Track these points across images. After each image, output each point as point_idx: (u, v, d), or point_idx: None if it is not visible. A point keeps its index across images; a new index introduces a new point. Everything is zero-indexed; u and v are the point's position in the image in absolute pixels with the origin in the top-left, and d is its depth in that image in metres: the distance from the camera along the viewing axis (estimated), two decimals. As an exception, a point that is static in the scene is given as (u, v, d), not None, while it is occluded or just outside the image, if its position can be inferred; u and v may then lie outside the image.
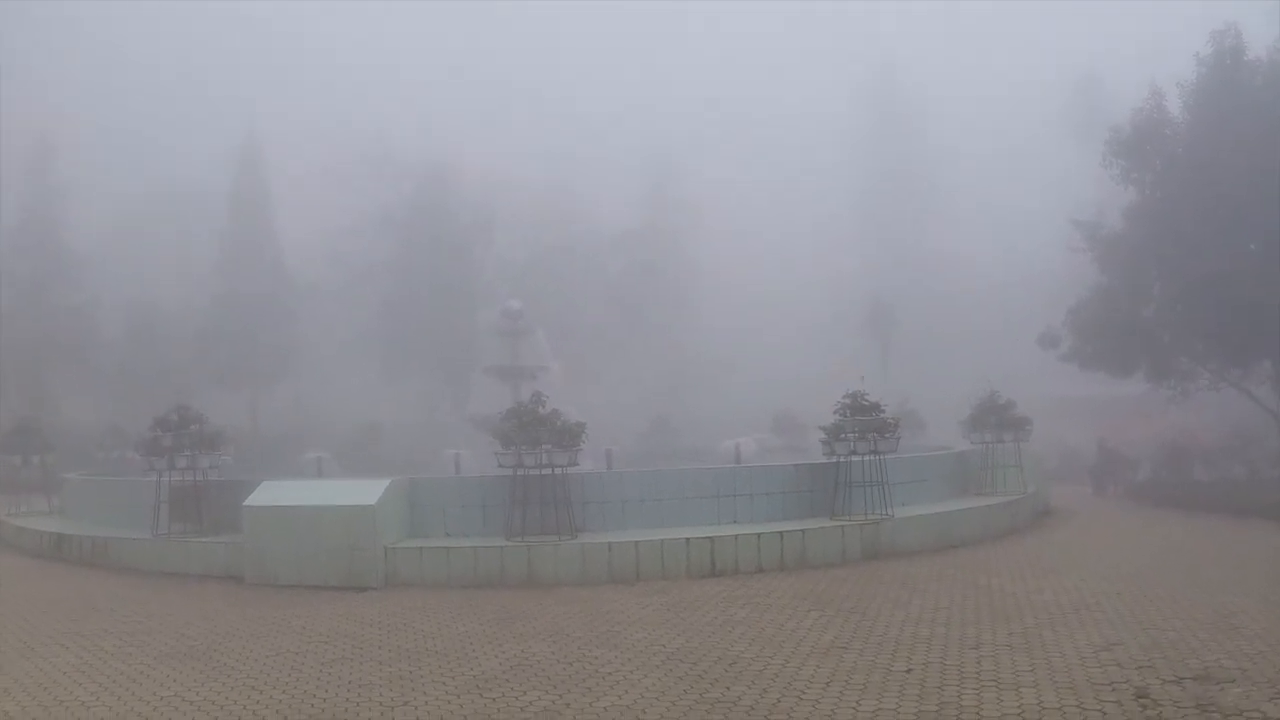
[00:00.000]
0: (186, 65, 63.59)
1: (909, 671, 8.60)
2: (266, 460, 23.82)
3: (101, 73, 62.60)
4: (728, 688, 8.26)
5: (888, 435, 16.52)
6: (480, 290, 46.83)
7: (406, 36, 71.14)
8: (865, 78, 65.67)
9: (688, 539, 14.28)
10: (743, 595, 12.53)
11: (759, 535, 14.67)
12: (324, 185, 47.99)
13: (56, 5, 63.34)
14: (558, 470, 14.25)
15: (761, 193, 65.06)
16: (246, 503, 14.05)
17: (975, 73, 67.18)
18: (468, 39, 71.83)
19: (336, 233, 46.90)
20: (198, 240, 50.13)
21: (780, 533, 14.85)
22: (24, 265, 46.09)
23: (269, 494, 14.23)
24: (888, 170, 63.96)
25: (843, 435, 16.38)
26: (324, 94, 60.95)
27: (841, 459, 16.36)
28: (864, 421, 16.42)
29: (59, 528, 17.79)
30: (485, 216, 47.95)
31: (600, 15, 72.79)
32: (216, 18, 65.64)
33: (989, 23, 70.34)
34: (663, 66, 69.98)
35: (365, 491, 13.91)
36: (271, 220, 48.20)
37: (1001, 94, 66.36)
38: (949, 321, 56.27)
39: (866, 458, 16.25)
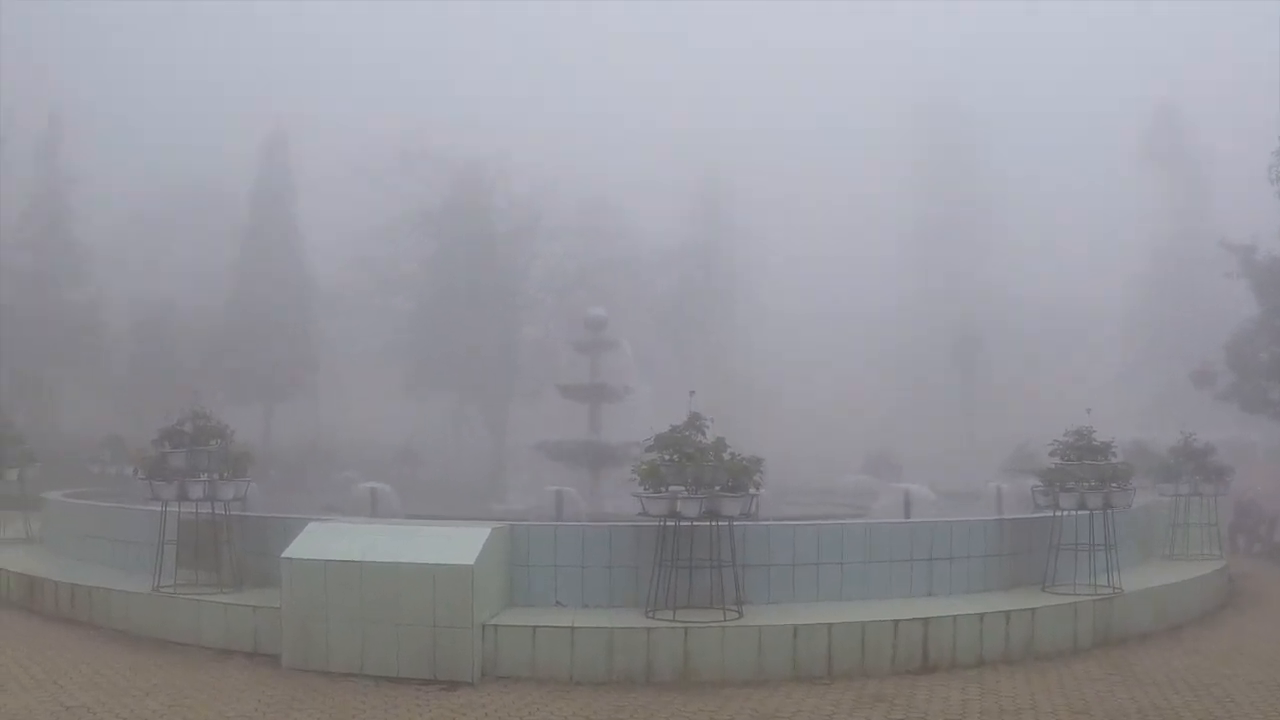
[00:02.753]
0: (209, 57, 60.18)
1: None
2: (294, 488, 19.77)
3: (118, 61, 59.13)
4: None
5: (1123, 486, 12.54)
6: (523, 303, 42.91)
7: (451, 36, 67.32)
8: (927, 100, 62.04)
9: (896, 622, 10.29)
10: (995, 708, 8.77)
11: (981, 616, 10.72)
12: (354, 184, 44.07)
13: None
14: (722, 523, 10.19)
15: (814, 217, 61.22)
16: (288, 553, 9.96)
17: (1042, 96, 63.56)
18: (516, 46, 68.15)
19: (366, 235, 42.97)
20: (215, 239, 46.43)
21: (1006, 613, 10.93)
22: (27, 258, 42.45)
23: (317, 541, 10.12)
24: (949, 197, 60.32)
25: (1070, 485, 12.37)
26: (357, 89, 57.29)
27: (1065, 513, 12.38)
28: (1098, 468, 12.42)
29: (32, 566, 13.65)
30: (529, 224, 44.01)
31: (655, 29, 69.05)
32: (241, 7, 62.00)
33: (1060, 43, 66.65)
34: (714, 83, 66.32)
35: (456, 543, 9.81)
36: (295, 220, 44.42)
37: (1069, 119, 62.87)
38: (1017, 357, 52.43)
39: (1090, 514, 12.31)
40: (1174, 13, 62.10)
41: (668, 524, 10.14)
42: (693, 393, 10.44)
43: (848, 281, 58.70)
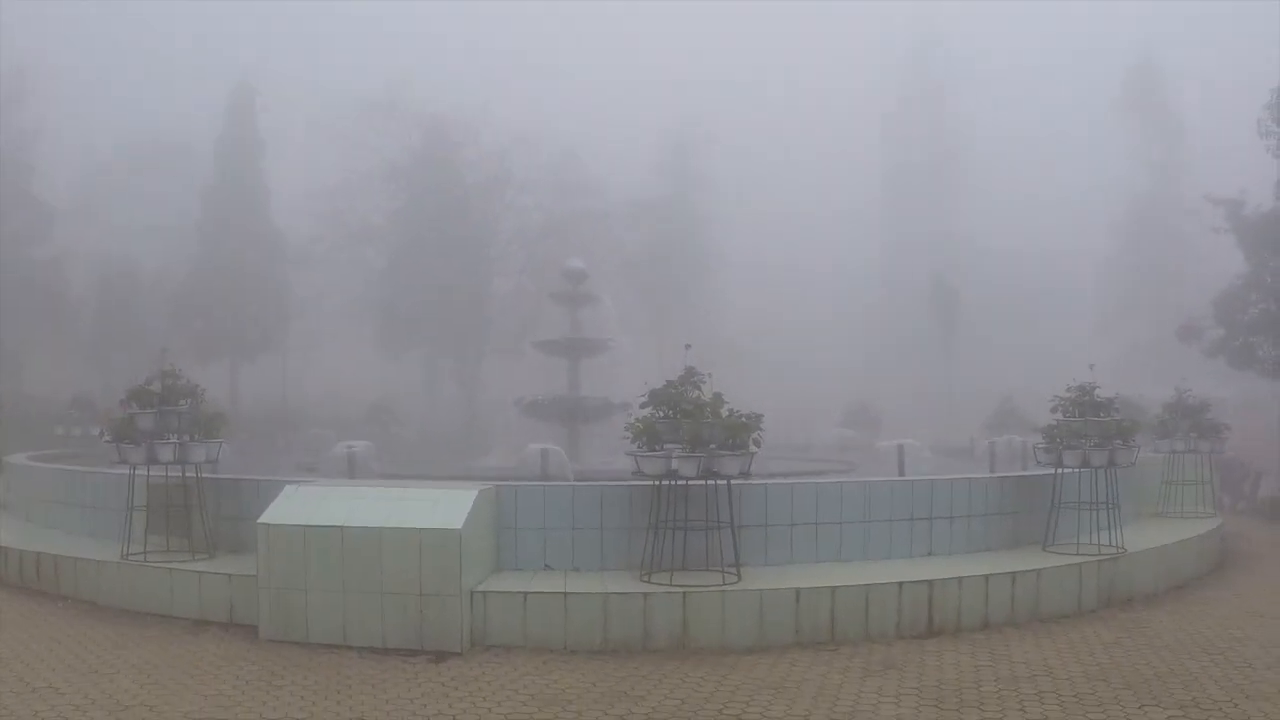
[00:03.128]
0: (173, 6, 58.45)
1: None
2: (266, 448, 19.16)
3: (78, 14, 57.49)
4: None
5: (1128, 443, 12.21)
6: (495, 255, 42.19)
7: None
8: (899, 49, 61.41)
9: (900, 584, 9.92)
10: (1008, 674, 8.41)
11: (986, 578, 10.36)
12: (321, 137, 43.05)
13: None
14: (720, 483, 9.75)
15: (785, 170, 60.59)
16: (264, 519, 9.44)
17: (1016, 46, 63.01)
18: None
19: (334, 189, 42.04)
20: (181, 195, 45.33)
21: (1012, 574, 10.56)
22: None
23: (295, 505, 9.61)
24: (921, 148, 59.90)
25: (1074, 442, 12.01)
26: (324, 41, 55.96)
27: (1069, 471, 12.05)
28: (1103, 424, 12.08)
29: (-6, 533, 13.10)
30: (499, 176, 43.19)
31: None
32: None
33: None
34: (684, 35, 65.31)
35: (441, 505, 9.32)
36: (262, 175, 43.35)
37: (1041, 70, 62.42)
38: (991, 308, 52.21)
39: (1092, 471, 12.00)
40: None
41: (663, 484, 9.70)
42: (688, 346, 9.97)
43: (819, 234, 58.33)
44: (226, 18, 58.06)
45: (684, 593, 9.37)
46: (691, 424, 9.36)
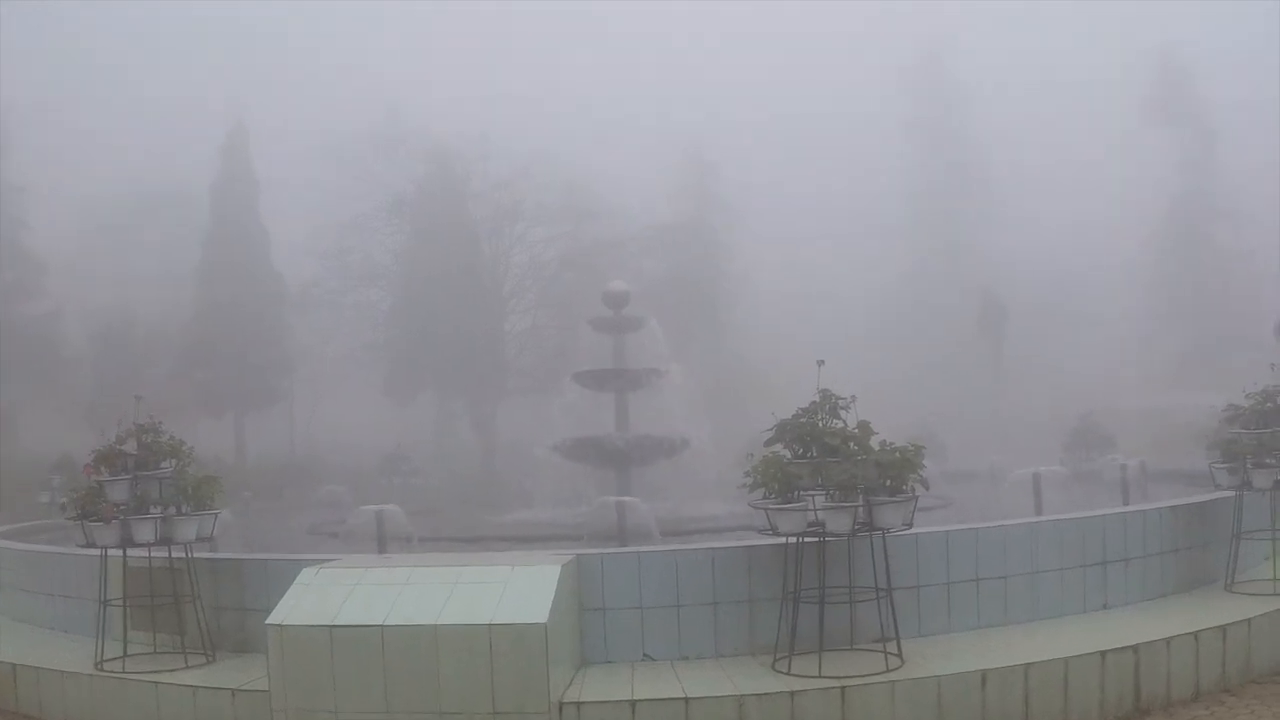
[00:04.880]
0: (163, 42, 56.78)
1: None
2: (278, 509, 16.72)
3: (65, 61, 55.76)
4: None
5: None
6: (510, 292, 40.06)
7: (423, 15, 63.77)
8: (919, 66, 59.38)
9: (1102, 654, 7.62)
10: None
11: (1196, 636, 8.06)
12: (321, 172, 40.96)
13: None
14: (860, 533, 7.39)
15: (807, 193, 58.34)
16: (275, 617, 7.05)
17: (1036, 59, 61.00)
18: (491, 26, 64.74)
19: (337, 227, 39.96)
20: (179, 243, 43.35)
21: (1222, 629, 8.26)
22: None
23: (316, 596, 7.20)
24: (945, 167, 57.80)
25: (1269, 459, 9.72)
26: (323, 72, 53.96)
27: (1260, 491, 9.75)
28: (1297, 438, 9.80)
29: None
30: (509, 209, 41.10)
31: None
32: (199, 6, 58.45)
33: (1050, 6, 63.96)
34: (693, 51, 63.33)
35: (514, 588, 6.93)
36: (260, 217, 41.34)
37: (1062, 86, 60.32)
38: (1030, 327, 49.84)
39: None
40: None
41: (800, 542, 7.33)
42: (821, 362, 7.63)
43: (846, 259, 56.07)
44: (215, 55, 56.29)
45: (841, 687, 6.99)
46: (843, 464, 6.99)
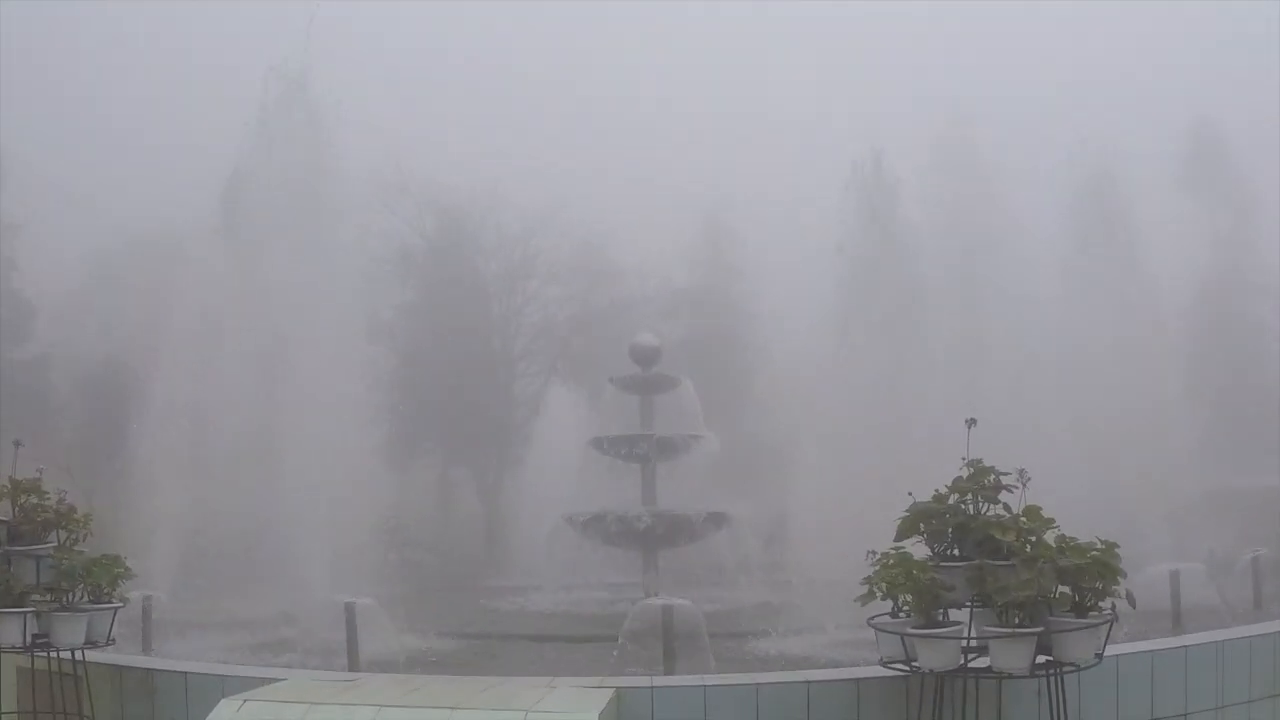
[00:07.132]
0: (162, 88, 55.30)
1: None
2: (229, 593, 14.12)
3: (60, 99, 54.39)
4: None
5: None
6: (520, 354, 38.02)
7: (431, 64, 62.74)
8: (938, 140, 57.80)
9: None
10: None
11: None
12: (324, 226, 39.08)
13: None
14: (1041, 673, 5.13)
15: (825, 260, 56.48)
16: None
17: (1059, 139, 59.51)
18: (501, 76, 63.64)
19: (334, 279, 38.00)
20: (175, 292, 41.43)
21: None
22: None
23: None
24: (962, 241, 55.89)
25: None
26: (327, 120, 52.37)
27: None
28: None
29: None
30: (521, 266, 39.26)
31: (649, 59, 64.56)
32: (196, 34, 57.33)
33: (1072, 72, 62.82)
34: (701, 116, 61.94)
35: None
36: (259, 266, 39.38)
37: (1090, 155, 58.76)
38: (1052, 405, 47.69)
39: None
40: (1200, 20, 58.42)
41: (941, 677, 5.08)
42: (972, 422, 5.41)
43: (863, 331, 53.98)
44: (217, 94, 54.83)
45: None
46: (1019, 570, 4.74)
